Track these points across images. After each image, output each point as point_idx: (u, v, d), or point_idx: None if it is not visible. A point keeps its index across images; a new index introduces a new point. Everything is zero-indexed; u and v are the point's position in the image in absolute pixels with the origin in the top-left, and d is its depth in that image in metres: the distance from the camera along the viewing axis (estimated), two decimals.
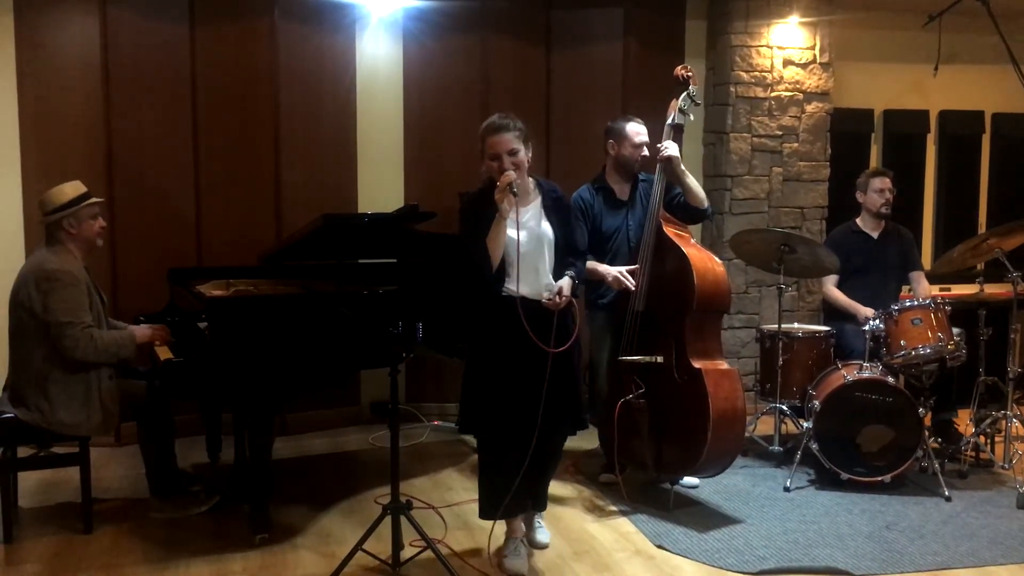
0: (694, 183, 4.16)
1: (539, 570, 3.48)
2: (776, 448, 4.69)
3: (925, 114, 6.29)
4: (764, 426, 5.06)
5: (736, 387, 3.93)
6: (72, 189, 3.78)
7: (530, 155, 3.33)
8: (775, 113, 5.72)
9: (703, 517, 3.98)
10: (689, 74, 4.15)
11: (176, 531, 3.81)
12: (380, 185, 5.49)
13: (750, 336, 5.61)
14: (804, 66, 5.74)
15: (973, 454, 4.65)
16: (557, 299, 3.29)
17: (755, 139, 5.72)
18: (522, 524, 3.57)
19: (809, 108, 5.77)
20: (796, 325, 5.01)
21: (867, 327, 4.39)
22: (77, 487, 3.80)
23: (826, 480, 4.34)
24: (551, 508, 3.88)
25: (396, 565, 3.38)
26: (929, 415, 4.50)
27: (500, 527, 3.53)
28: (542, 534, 3.70)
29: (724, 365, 3.98)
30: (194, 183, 5.12)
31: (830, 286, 4.98)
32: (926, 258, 6.11)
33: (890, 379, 4.29)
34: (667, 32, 5.78)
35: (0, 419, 3.67)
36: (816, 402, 4.32)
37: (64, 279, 3.65)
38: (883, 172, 5.02)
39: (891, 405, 4.22)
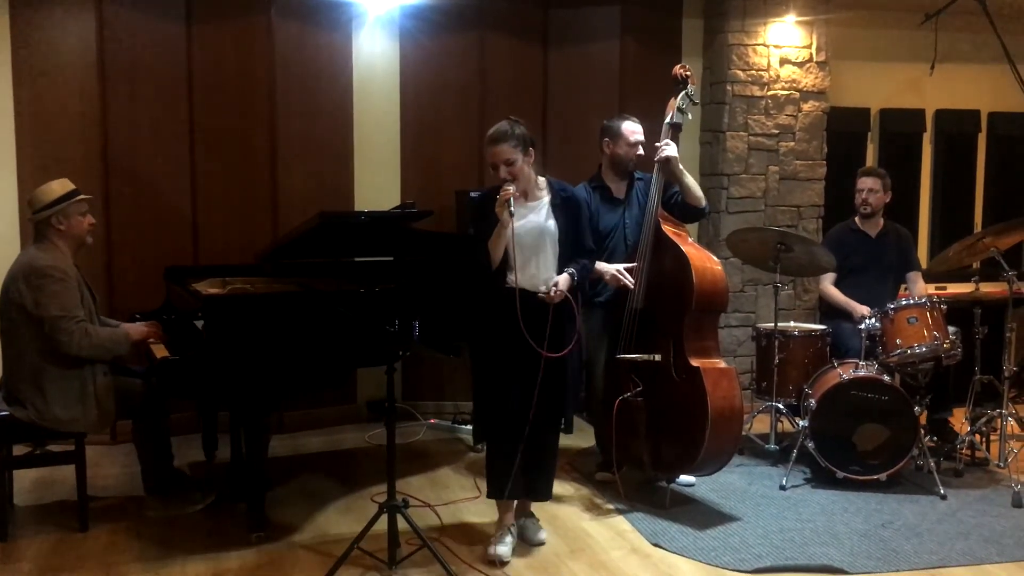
0: (692, 182, 4.17)
1: (535, 568, 3.49)
2: (772, 447, 4.70)
3: (921, 113, 6.30)
4: (760, 424, 5.06)
5: (734, 386, 3.93)
6: (60, 186, 3.78)
7: (531, 159, 3.46)
8: (772, 112, 5.73)
9: (699, 515, 3.99)
10: (688, 73, 4.15)
11: (172, 529, 3.80)
12: (377, 183, 5.48)
13: (746, 335, 5.61)
14: (801, 65, 5.75)
15: (969, 453, 4.65)
16: (552, 293, 3.36)
17: (752, 138, 5.72)
18: (512, 514, 3.63)
19: (805, 107, 5.78)
20: (792, 324, 5.00)
21: (863, 326, 4.40)
22: (73, 485, 3.79)
23: (822, 478, 4.34)
24: (548, 506, 3.88)
25: (392, 563, 3.38)
26: (925, 414, 4.51)
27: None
28: (539, 532, 3.71)
29: (722, 364, 3.98)
30: (190, 181, 5.11)
31: (827, 284, 4.98)
32: (922, 256, 6.10)
33: (886, 378, 4.29)
34: (664, 31, 5.79)
35: None
36: (812, 401, 4.32)
37: (54, 275, 3.64)
38: (870, 172, 5.00)
39: (887, 404, 4.23)
